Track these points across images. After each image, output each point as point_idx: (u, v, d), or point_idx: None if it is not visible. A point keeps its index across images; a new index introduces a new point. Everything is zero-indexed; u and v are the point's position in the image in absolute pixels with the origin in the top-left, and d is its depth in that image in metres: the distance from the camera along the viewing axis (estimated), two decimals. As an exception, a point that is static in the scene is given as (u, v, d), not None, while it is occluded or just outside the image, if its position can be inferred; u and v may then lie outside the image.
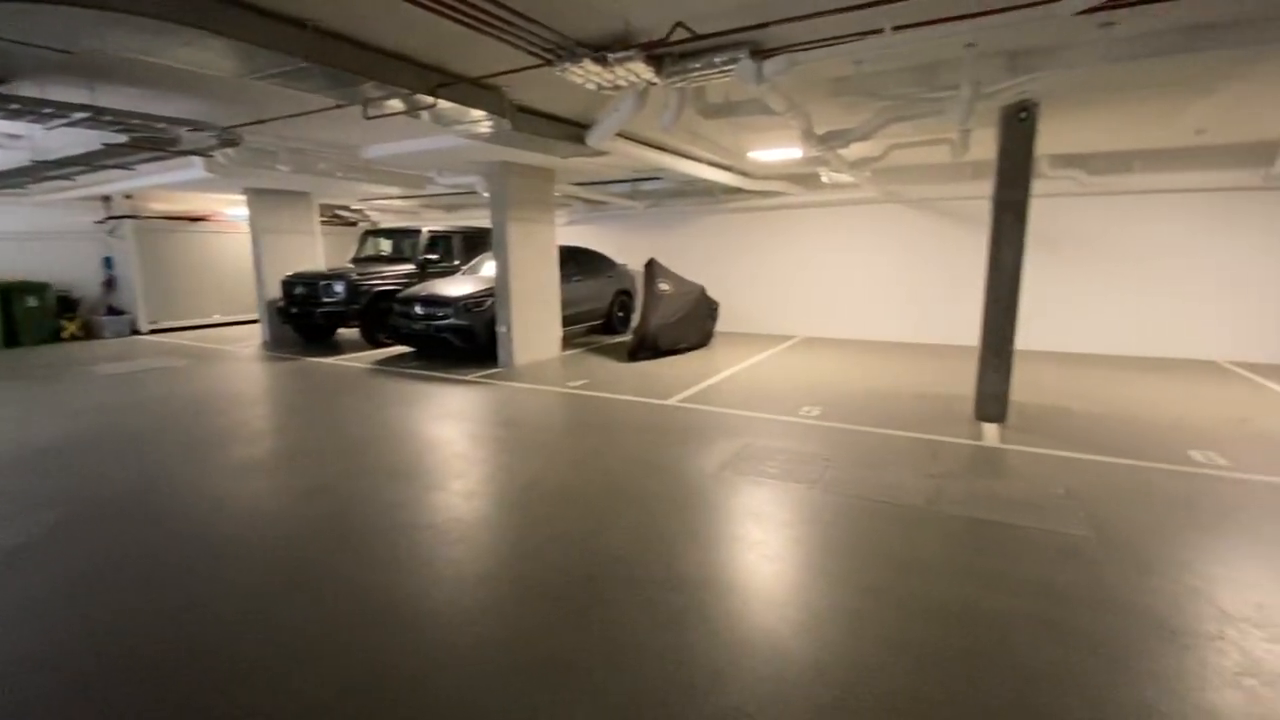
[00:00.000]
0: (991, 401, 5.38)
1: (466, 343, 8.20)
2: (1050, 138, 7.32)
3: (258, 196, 10.63)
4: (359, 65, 4.05)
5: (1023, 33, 3.97)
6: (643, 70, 4.07)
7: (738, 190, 10.30)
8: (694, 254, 11.69)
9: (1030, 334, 8.81)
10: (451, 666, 2.31)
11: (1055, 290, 9.07)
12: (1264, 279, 8.13)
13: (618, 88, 4.44)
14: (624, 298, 11.17)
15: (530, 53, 4.06)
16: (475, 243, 11.02)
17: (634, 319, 10.56)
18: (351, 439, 5.06)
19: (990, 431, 5.13)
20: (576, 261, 10.11)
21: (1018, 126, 4.96)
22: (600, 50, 3.91)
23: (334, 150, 7.73)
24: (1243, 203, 8.16)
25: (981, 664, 2.28)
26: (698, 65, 4.04)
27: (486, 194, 8.26)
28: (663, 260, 9.72)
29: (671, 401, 6.21)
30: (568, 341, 9.91)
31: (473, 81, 4.96)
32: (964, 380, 5.93)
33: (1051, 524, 3.41)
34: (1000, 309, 5.24)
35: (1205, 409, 5.81)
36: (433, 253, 10.51)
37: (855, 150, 7.15)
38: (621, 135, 6.45)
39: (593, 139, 6.02)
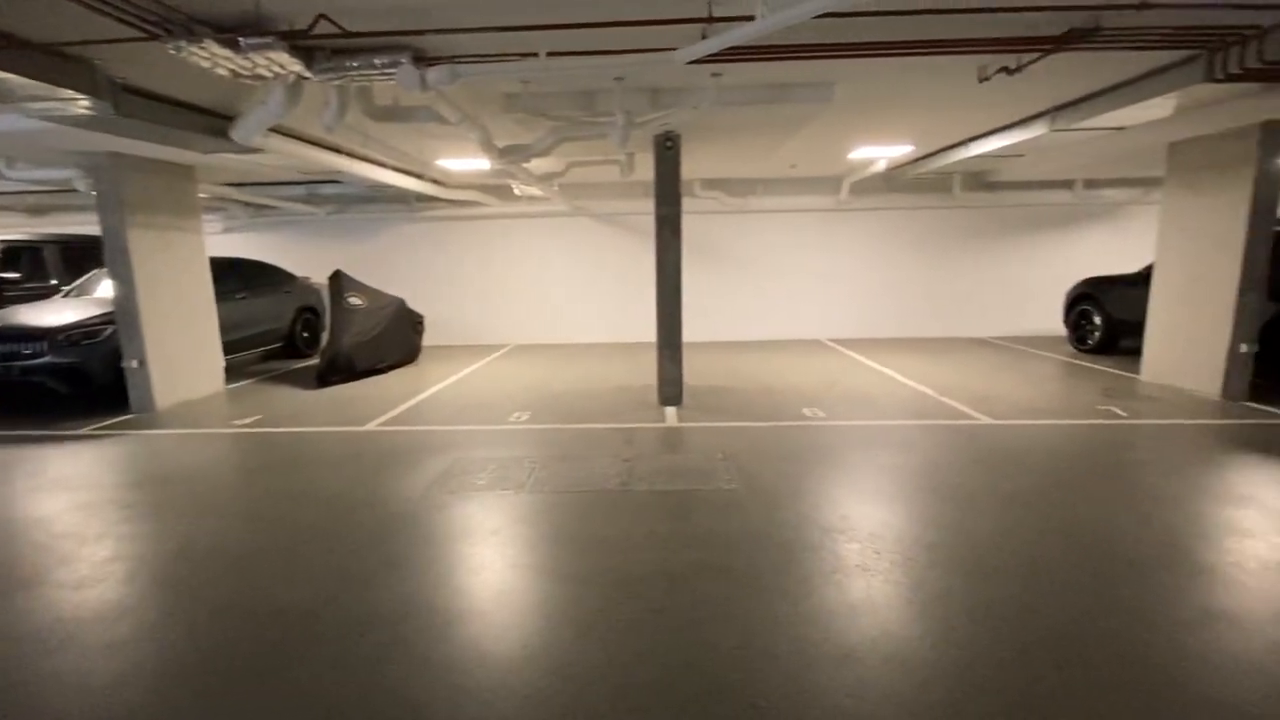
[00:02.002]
0: (670, 388, 6.22)
1: (75, 386, 6.28)
2: (695, 164, 8.75)
3: None
4: None
5: (656, 73, 4.66)
6: (289, 62, 3.64)
7: (434, 198, 9.97)
8: (392, 264, 10.95)
9: (695, 328, 10.46)
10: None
11: (710, 291, 10.89)
12: (844, 276, 11.02)
13: (260, 78, 3.90)
14: (309, 315, 9.88)
15: (127, 23, 3.29)
16: (85, 256, 8.55)
17: (325, 338, 9.42)
18: None
19: (671, 414, 5.93)
20: (241, 276, 8.59)
21: (666, 153, 5.81)
22: (228, 32, 3.37)
23: None
24: (828, 220, 10.93)
25: (668, 619, 2.62)
26: (356, 64, 3.79)
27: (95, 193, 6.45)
28: (357, 272, 8.89)
29: (371, 426, 5.71)
30: (237, 371, 8.37)
31: (47, 49, 3.83)
32: (654, 372, 6.72)
33: (715, 484, 4.09)
34: (668, 308, 6.08)
35: (812, 376, 7.63)
36: (10, 270, 7.82)
37: (539, 165, 7.53)
38: (280, 132, 5.69)
39: (240, 133, 5.17)
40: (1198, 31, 3.92)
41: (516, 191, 9.43)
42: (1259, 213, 5.79)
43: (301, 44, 3.63)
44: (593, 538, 3.38)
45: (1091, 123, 5.82)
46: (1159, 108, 5.59)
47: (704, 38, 3.39)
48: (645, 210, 10.55)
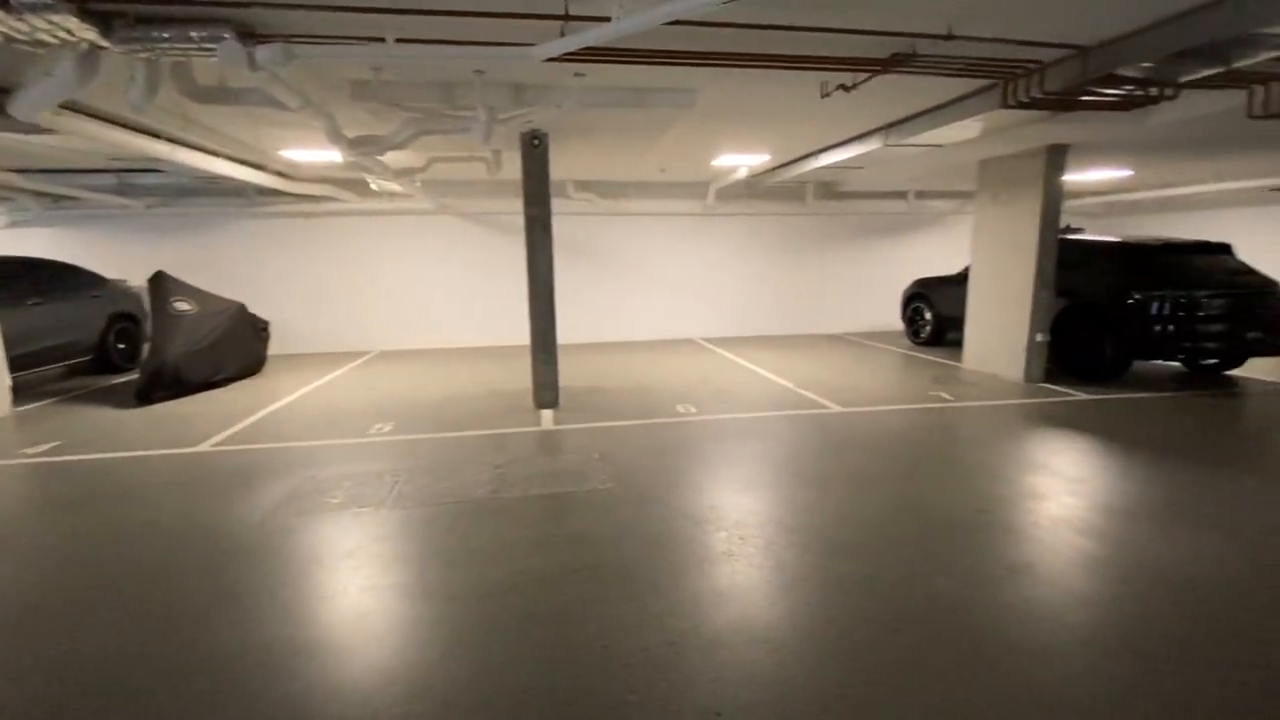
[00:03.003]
0: (546, 390, 6.13)
1: None
2: (566, 164, 8.72)
3: None
4: None
5: (518, 69, 4.56)
6: (79, 28, 3.13)
7: (279, 192, 9.07)
8: (230, 265, 9.83)
9: (573, 329, 10.45)
10: None
11: (588, 292, 10.92)
12: (714, 278, 11.50)
13: (42, 43, 3.31)
14: (126, 324, 8.58)
15: None
16: None
17: (147, 350, 8.23)
18: None
19: (547, 417, 5.84)
20: (32, 279, 7.29)
21: (533, 151, 5.71)
22: (-8, -15, 2.83)
23: None
24: (697, 224, 11.35)
25: (538, 625, 2.55)
26: (167, 36, 3.34)
27: None
28: (187, 274, 7.86)
29: (204, 447, 5.06)
30: (30, 391, 7.09)
31: None
32: (529, 375, 6.57)
33: (589, 484, 4.07)
34: (541, 309, 5.98)
35: (686, 374, 7.88)
36: None
37: (397, 159, 7.11)
38: (75, 109, 4.88)
39: (20, 109, 4.37)
40: (994, 64, 4.52)
41: (374, 186, 8.84)
42: (1047, 222, 6.82)
43: (95, 8, 3.14)
44: (460, 550, 3.22)
45: (917, 140, 6.54)
46: (968, 129, 6.39)
47: (562, 35, 3.36)
48: (517, 210, 10.35)
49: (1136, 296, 6.64)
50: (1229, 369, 7.52)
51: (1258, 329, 6.65)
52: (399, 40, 3.51)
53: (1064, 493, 3.89)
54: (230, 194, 9.49)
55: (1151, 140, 6.68)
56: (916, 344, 10.15)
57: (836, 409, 6.03)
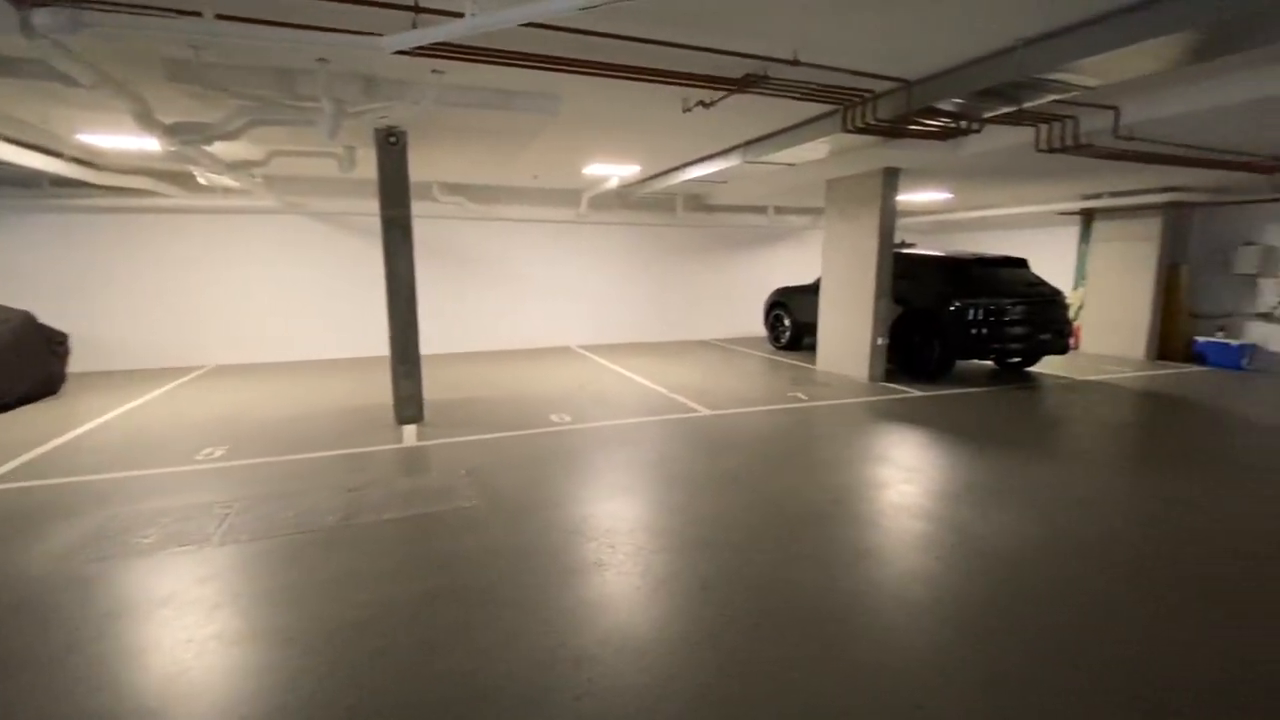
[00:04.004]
0: (408, 404, 5.75)
1: None
2: (432, 165, 8.32)
3: None
4: None
5: (370, 60, 4.26)
6: None
7: (80, 183, 7.77)
8: (15, 268, 8.26)
9: (442, 339, 9.99)
10: None
11: (458, 300, 10.49)
12: (589, 285, 11.51)
13: None
14: None
15: None
16: None
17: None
18: None
19: (409, 432, 5.48)
20: None
21: (390, 149, 5.36)
22: None
23: None
24: (571, 231, 11.30)
25: (394, 659, 2.34)
26: (-97, -15, 2.71)
27: None
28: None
29: (-30, 486, 4.17)
30: None
31: None
32: (390, 388, 6.13)
33: (455, 503, 3.86)
34: (402, 318, 5.62)
35: (561, 382, 7.78)
36: None
37: (228, 150, 6.38)
38: None
39: None
40: (836, 91, 4.93)
41: (202, 181, 7.86)
42: (884, 237, 7.56)
43: None
44: (303, 586, 2.90)
45: (772, 158, 6.98)
46: (817, 150, 6.93)
47: (414, 27, 3.18)
48: (376, 211, 9.72)
49: (957, 304, 7.55)
50: (1028, 366, 8.78)
51: (1048, 331, 7.84)
52: (219, 17, 3.12)
53: (902, 481, 4.30)
54: (15, 183, 7.99)
55: (965, 167, 7.64)
56: (778, 349, 10.82)
57: (706, 412, 6.24)
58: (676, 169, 8.77)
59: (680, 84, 4.57)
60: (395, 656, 2.37)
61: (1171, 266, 9.98)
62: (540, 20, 2.88)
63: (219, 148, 5.88)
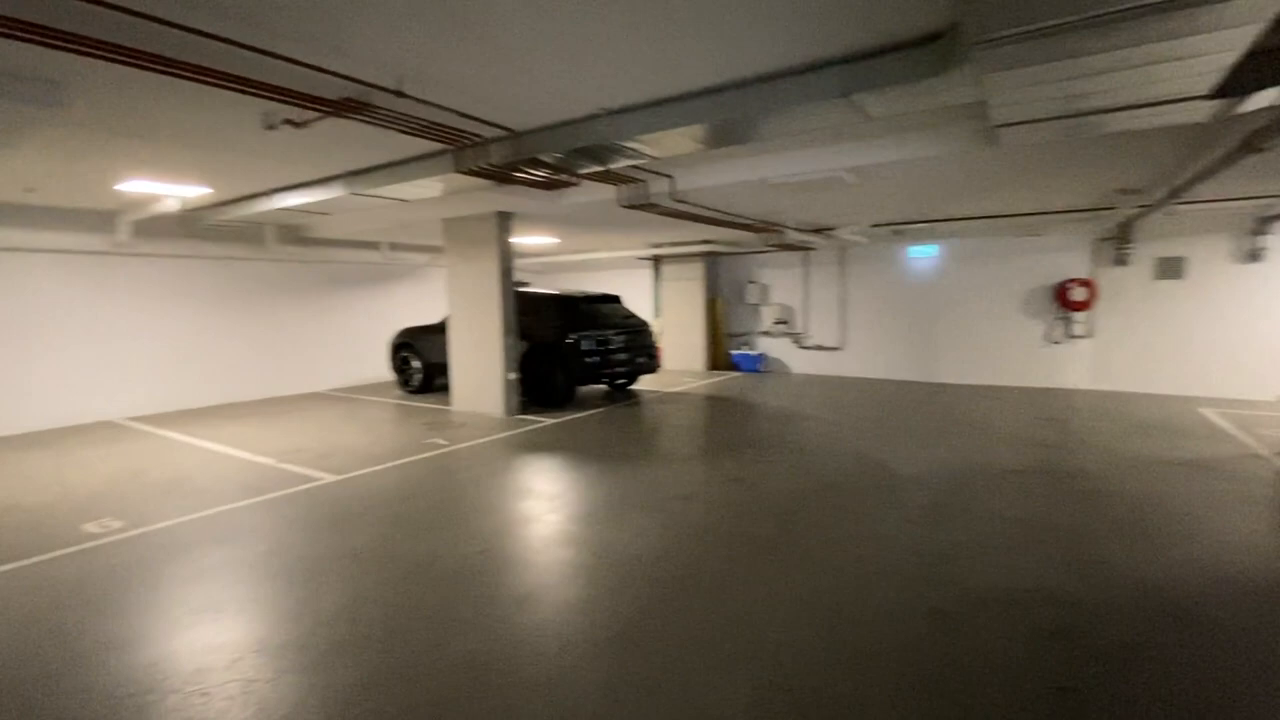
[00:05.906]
0: None
1: None
2: None
3: None
4: None
5: None
6: None
7: None
8: None
9: None
10: None
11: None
12: (142, 336, 8.74)
13: None
14: None
15: None
16: None
17: None
18: None
19: None
20: None
21: None
22: None
23: None
24: (106, 265, 8.43)
25: None
26: None
27: None
28: None
29: None
30: None
31: None
32: None
33: (-124, 713, 2.32)
34: None
35: (102, 472, 5.66)
36: None
37: None
38: None
39: None
40: (447, 130, 4.85)
41: None
42: (505, 276, 7.84)
43: None
44: None
45: (381, 192, 6.52)
46: (431, 188, 6.77)
47: None
48: None
49: (573, 337, 8.34)
50: (630, 385, 10.29)
51: (643, 355, 9.36)
52: None
53: (547, 511, 4.41)
54: None
55: (566, 215, 8.53)
56: (409, 393, 10.16)
57: (329, 478, 5.34)
58: (263, 195, 7.43)
59: (260, 95, 3.82)
60: None
61: (711, 299, 13.21)
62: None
63: None
